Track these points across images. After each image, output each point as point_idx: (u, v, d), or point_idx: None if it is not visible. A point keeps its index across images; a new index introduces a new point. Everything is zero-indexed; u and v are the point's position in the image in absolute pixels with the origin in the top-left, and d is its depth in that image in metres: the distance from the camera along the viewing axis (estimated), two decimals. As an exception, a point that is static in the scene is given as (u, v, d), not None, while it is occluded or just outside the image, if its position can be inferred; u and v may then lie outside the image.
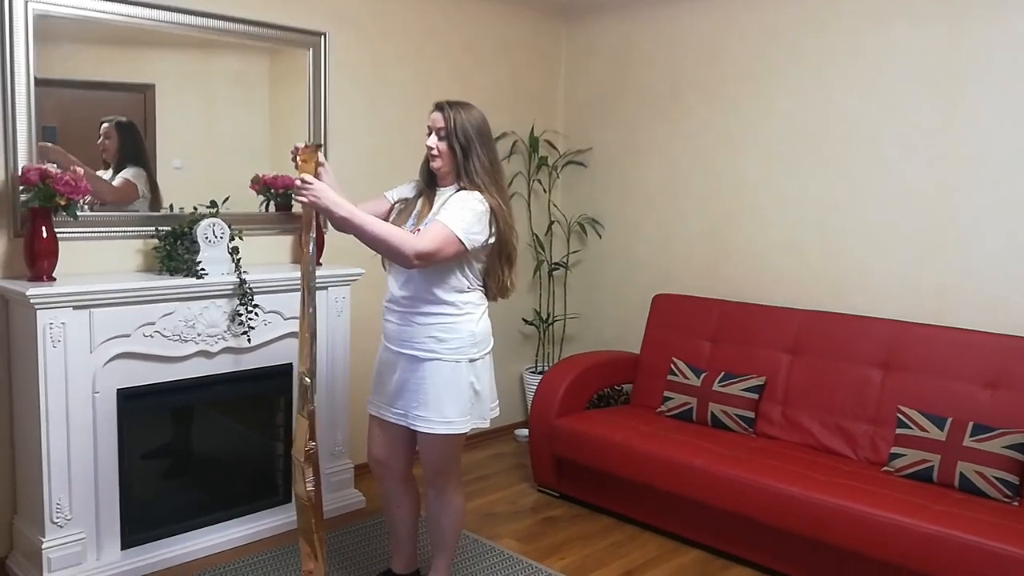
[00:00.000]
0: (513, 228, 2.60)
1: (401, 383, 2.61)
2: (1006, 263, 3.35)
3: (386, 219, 2.62)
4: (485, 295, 2.66)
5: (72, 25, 3.04)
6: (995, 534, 2.64)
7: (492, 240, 2.54)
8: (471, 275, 2.59)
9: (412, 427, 2.60)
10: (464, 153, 2.52)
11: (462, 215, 2.46)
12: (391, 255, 2.46)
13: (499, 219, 2.53)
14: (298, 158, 2.45)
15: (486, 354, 2.65)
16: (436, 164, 2.58)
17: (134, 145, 3.29)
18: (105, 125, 3.21)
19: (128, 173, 3.28)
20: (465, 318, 2.57)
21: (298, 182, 2.39)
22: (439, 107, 2.56)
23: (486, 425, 2.69)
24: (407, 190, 2.74)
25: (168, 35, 3.27)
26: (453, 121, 2.51)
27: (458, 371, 2.56)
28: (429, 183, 2.66)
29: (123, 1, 3.11)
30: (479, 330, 2.60)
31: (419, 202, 2.65)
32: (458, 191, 2.54)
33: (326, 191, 2.38)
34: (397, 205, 2.71)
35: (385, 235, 2.40)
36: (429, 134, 2.57)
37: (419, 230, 2.51)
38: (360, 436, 3.78)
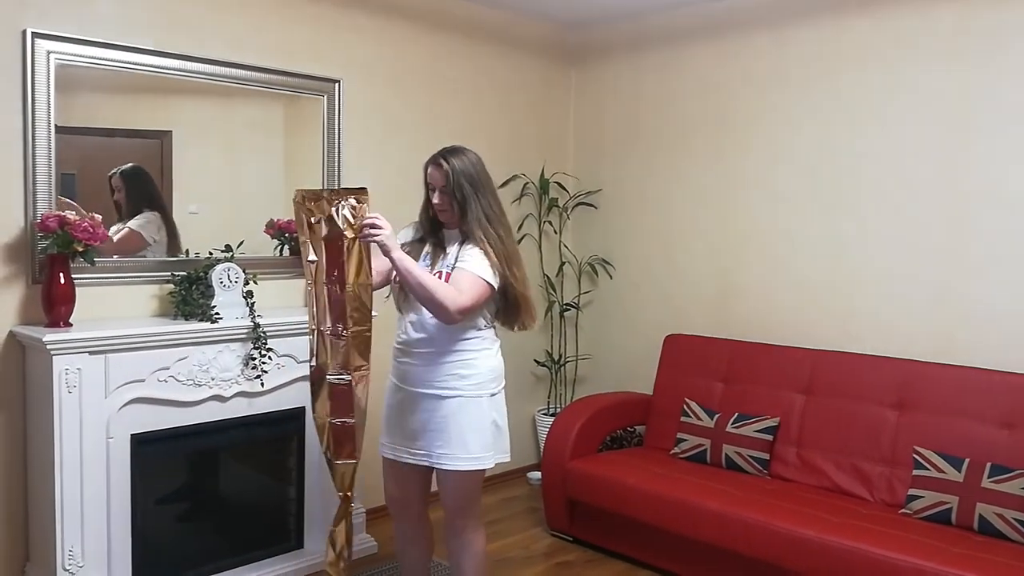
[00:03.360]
0: (512, 271, 2.62)
1: (422, 423, 2.63)
2: (1019, 300, 3.34)
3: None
4: (501, 327, 2.73)
5: (92, 74, 3.10)
6: (1017, 578, 2.61)
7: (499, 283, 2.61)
8: (488, 314, 2.67)
9: (437, 466, 2.64)
10: (462, 204, 2.59)
11: (484, 263, 2.55)
12: (432, 307, 2.49)
13: (500, 264, 2.59)
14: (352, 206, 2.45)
15: (503, 388, 2.73)
16: (444, 217, 2.65)
17: (144, 190, 3.32)
18: (115, 177, 3.24)
19: (134, 223, 3.31)
20: (484, 354, 2.65)
21: (368, 222, 2.40)
22: (436, 163, 2.61)
23: (508, 459, 2.73)
24: (409, 233, 2.77)
25: (186, 83, 3.33)
26: (452, 175, 2.57)
27: (480, 406, 2.62)
28: (433, 229, 2.71)
29: (143, 51, 3.18)
30: (496, 364, 2.69)
31: (427, 246, 2.70)
32: (464, 241, 2.62)
33: (391, 235, 2.45)
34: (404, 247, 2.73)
35: (430, 286, 2.46)
36: (432, 191, 2.63)
37: (441, 273, 2.58)
38: (371, 480, 3.77)
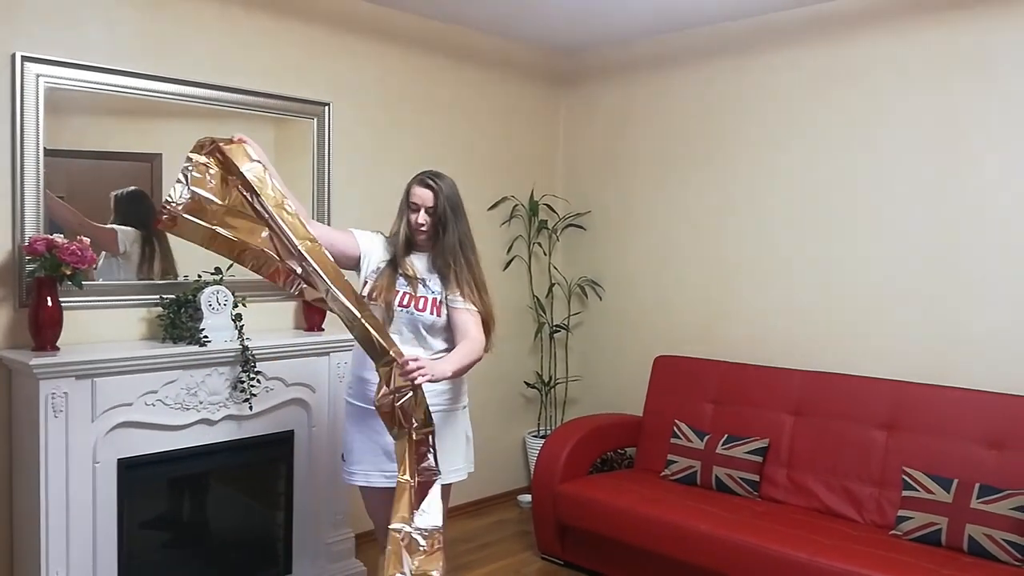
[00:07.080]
0: (482, 296, 2.73)
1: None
2: (1009, 321, 3.36)
3: (355, 258, 2.72)
4: None
5: (81, 97, 3.11)
6: (1007, 599, 2.60)
7: None
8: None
9: None
10: (444, 226, 2.66)
11: (468, 297, 2.69)
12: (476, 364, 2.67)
13: (472, 292, 2.73)
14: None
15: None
16: (423, 238, 2.70)
17: (134, 213, 3.31)
18: (112, 199, 3.26)
19: (118, 227, 3.29)
20: None
21: (408, 368, 2.38)
22: (425, 184, 2.66)
23: (472, 470, 2.86)
24: (379, 249, 2.75)
25: (175, 106, 3.34)
26: (440, 197, 2.64)
27: (458, 419, 2.74)
28: (407, 249, 2.73)
29: (133, 75, 3.19)
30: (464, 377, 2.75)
31: (401, 270, 2.70)
32: (434, 263, 2.70)
33: (431, 364, 2.47)
34: (377, 267, 2.73)
35: (469, 360, 2.60)
36: (416, 210, 2.66)
37: (426, 299, 2.65)
38: (359, 505, 3.75)
